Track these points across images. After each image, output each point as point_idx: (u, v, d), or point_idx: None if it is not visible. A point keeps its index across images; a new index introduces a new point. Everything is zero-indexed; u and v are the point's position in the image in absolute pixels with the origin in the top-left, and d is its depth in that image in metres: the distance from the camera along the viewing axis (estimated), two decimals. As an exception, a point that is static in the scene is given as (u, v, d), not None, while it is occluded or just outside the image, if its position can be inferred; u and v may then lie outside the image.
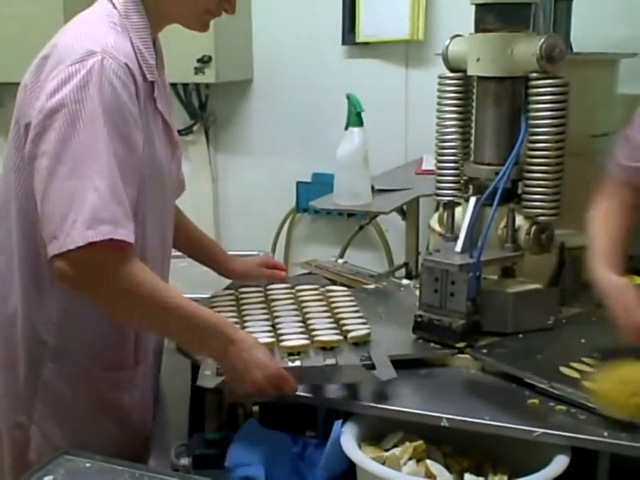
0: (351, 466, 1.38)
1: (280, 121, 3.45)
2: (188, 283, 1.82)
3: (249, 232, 3.54)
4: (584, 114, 1.89)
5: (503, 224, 1.72)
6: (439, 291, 1.68)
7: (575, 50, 2.27)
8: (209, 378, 1.51)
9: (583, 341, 1.69)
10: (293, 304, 1.84)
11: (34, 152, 1.41)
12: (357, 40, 3.22)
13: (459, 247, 1.66)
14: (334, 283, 2.14)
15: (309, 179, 3.40)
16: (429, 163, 2.53)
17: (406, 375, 1.58)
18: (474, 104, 1.80)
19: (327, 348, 1.60)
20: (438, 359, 1.64)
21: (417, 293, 1.76)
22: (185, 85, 3.44)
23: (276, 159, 3.50)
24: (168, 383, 1.81)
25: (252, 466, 1.37)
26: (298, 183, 3.42)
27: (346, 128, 2.48)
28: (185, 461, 1.46)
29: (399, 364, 1.60)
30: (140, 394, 1.65)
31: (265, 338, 1.59)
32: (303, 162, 3.38)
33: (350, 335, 1.65)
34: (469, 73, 1.74)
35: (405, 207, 2.72)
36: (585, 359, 1.57)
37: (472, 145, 1.81)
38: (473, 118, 1.80)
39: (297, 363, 1.56)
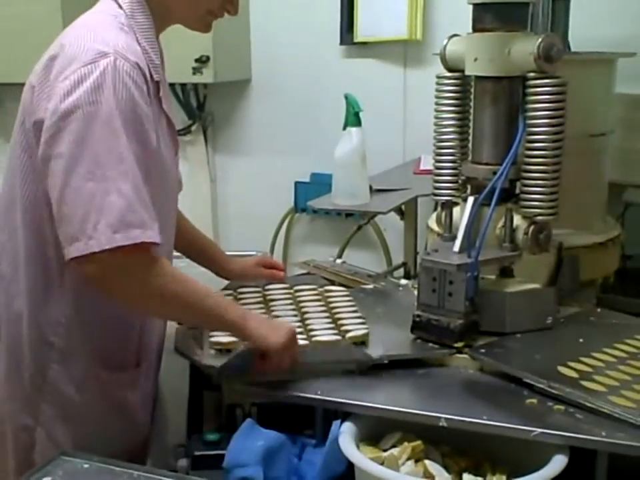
0: (350, 466, 1.38)
1: (278, 120, 3.46)
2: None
3: (247, 232, 3.54)
4: (582, 113, 1.89)
5: (500, 224, 1.72)
6: (437, 290, 1.68)
7: (572, 49, 2.27)
8: (214, 357, 1.56)
9: (581, 340, 1.69)
10: (291, 304, 1.84)
11: (48, 153, 1.40)
12: (355, 40, 3.22)
13: (456, 247, 1.66)
14: (332, 282, 2.14)
15: (307, 179, 3.40)
16: (427, 163, 2.52)
17: (404, 374, 1.58)
18: (472, 104, 1.79)
19: None
20: (436, 359, 1.64)
21: (415, 292, 1.76)
22: (183, 85, 3.44)
23: (274, 159, 3.50)
24: (166, 384, 1.81)
25: (250, 466, 1.37)
26: (296, 183, 3.42)
27: (344, 128, 2.48)
28: (183, 461, 1.46)
29: (397, 364, 1.60)
30: (142, 394, 1.66)
31: None
32: (301, 162, 3.38)
33: (348, 334, 1.65)
34: (467, 72, 1.74)
35: (403, 206, 2.72)
36: (583, 359, 1.57)
37: (470, 145, 1.81)
38: (471, 118, 1.80)
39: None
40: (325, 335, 1.66)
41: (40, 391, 1.56)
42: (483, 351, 1.62)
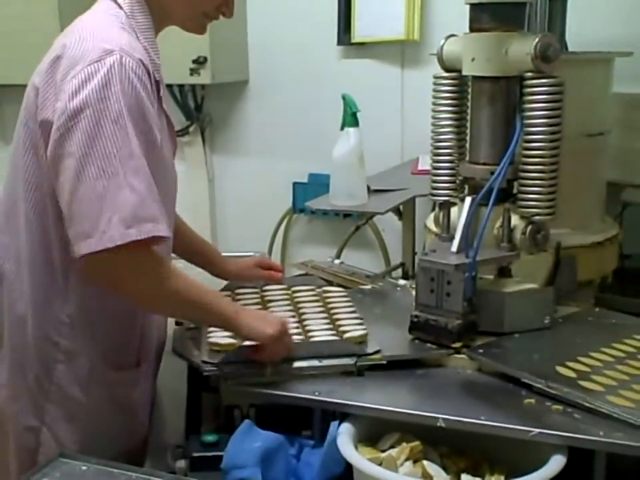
0: (348, 467, 1.38)
1: (276, 121, 3.45)
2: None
3: (245, 233, 3.54)
4: (579, 113, 1.89)
5: (498, 224, 1.72)
6: (435, 291, 1.68)
7: (570, 49, 2.27)
8: (211, 356, 1.57)
9: (579, 340, 1.69)
10: (289, 305, 1.84)
11: (59, 153, 1.41)
12: (353, 40, 3.22)
13: (454, 247, 1.66)
14: (330, 283, 2.14)
15: (305, 180, 3.40)
16: (425, 163, 2.52)
17: (402, 375, 1.58)
18: (469, 104, 1.79)
19: None
20: (434, 359, 1.64)
21: (413, 293, 1.76)
22: (181, 86, 3.44)
23: (272, 160, 3.50)
24: (165, 385, 1.81)
25: (248, 468, 1.37)
26: (294, 184, 3.42)
27: (342, 128, 2.48)
28: (181, 462, 1.46)
29: (395, 364, 1.60)
30: (142, 393, 1.67)
31: None
32: (299, 162, 3.38)
33: (346, 335, 1.65)
34: (464, 72, 1.74)
35: (401, 207, 2.72)
36: (581, 359, 1.57)
37: (467, 145, 1.81)
38: (468, 118, 1.80)
39: (294, 364, 1.57)
40: (323, 336, 1.66)
41: (45, 391, 1.56)
42: (481, 351, 1.62)
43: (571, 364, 1.54)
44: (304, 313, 1.78)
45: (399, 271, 2.78)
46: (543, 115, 1.64)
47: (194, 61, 3.19)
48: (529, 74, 1.65)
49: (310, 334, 1.67)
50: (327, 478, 1.42)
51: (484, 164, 1.74)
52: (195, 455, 1.44)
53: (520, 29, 1.69)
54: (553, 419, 1.40)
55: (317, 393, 1.51)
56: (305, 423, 1.55)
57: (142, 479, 1.31)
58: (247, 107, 3.53)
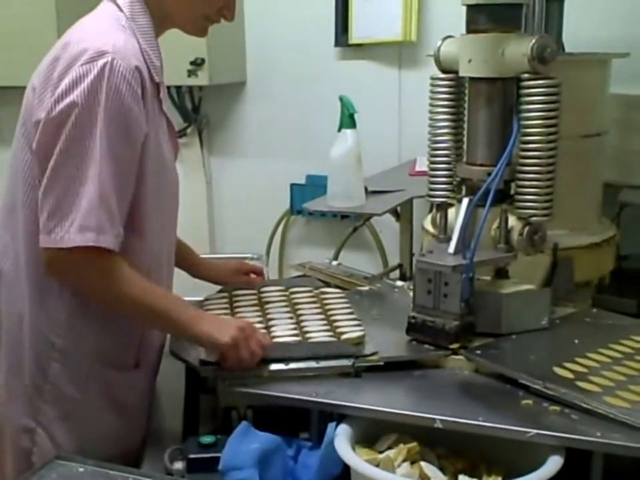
0: (345, 468, 1.38)
1: (273, 123, 3.46)
2: (180, 286, 1.82)
3: (243, 234, 3.55)
4: (576, 114, 1.89)
5: (495, 225, 1.72)
6: (433, 292, 1.68)
7: (567, 50, 2.28)
8: (209, 353, 1.58)
9: (576, 341, 1.68)
10: (286, 306, 1.84)
11: (44, 150, 1.45)
12: (350, 41, 3.22)
13: (451, 248, 1.66)
14: (328, 284, 2.14)
15: (302, 181, 3.41)
16: (423, 164, 2.53)
17: (399, 376, 1.58)
18: (466, 105, 1.79)
19: None
20: (432, 361, 1.64)
21: (411, 294, 1.76)
22: (178, 88, 3.44)
23: (270, 161, 3.50)
24: (163, 386, 1.81)
25: (246, 469, 1.36)
26: (292, 185, 3.43)
27: (339, 130, 2.49)
28: (178, 464, 1.46)
29: (393, 366, 1.60)
30: (140, 395, 1.67)
31: None
32: (297, 164, 3.39)
33: (343, 336, 1.65)
34: (461, 73, 1.74)
35: (398, 208, 2.72)
36: (578, 359, 1.57)
37: (464, 146, 1.81)
38: (466, 119, 1.80)
39: (291, 366, 1.57)
40: (320, 337, 1.66)
41: (41, 391, 1.56)
42: (478, 352, 1.62)
43: (568, 365, 1.54)
44: (301, 315, 1.78)
45: (397, 272, 2.78)
46: (539, 116, 1.64)
47: (191, 63, 3.19)
48: (526, 75, 1.65)
49: (307, 335, 1.67)
50: (325, 479, 1.41)
51: (481, 165, 1.74)
52: (192, 456, 1.43)
53: (517, 30, 1.69)
54: (551, 419, 1.40)
55: (314, 394, 1.50)
56: (302, 424, 1.55)
57: (139, 481, 1.31)
58: (244, 108, 3.54)
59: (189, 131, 3.54)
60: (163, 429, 1.69)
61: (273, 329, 1.69)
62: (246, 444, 1.40)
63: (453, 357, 1.63)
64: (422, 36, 3.09)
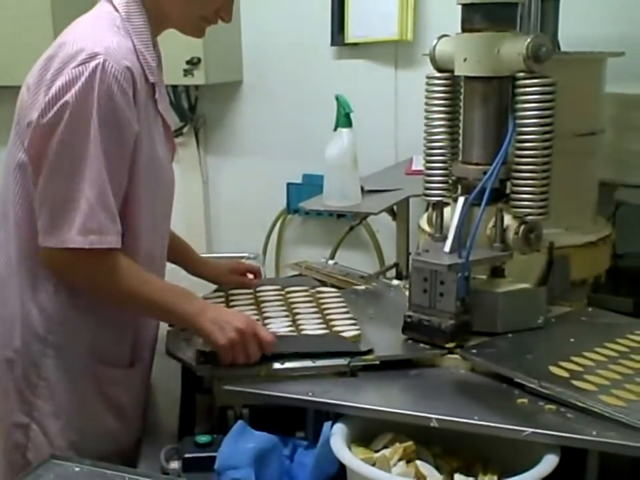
0: (341, 467, 1.38)
1: (270, 122, 3.46)
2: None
3: (239, 233, 3.55)
4: (571, 113, 1.89)
5: (491, 224, 1.72)
6: (428, 291, 1.68)
7: (562, 49, 2.28)
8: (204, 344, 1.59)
9: (572, 340, 1.68)
10: (282, 305, 1.84)
11: (38, 151, 1.46)
12: (346, 41, 3.23)
13: (447, 247, 1.66)
14: (324, 284, 2.14)
15: (299, 180, 3.41)
16: (419, 164, 2.53)
17: (395, 375, 1.58)
18: (462, 104, 1.79)
19: None
20: (427, 360, 1.64)
21: (407, 293, 1.76)
22: (175, 87, 3.45)
23: (266, 160, 3.51)
24: (158, 385, 1.81)
25: (242, 468, 1.36)
26: (288, 184, 3.43)
27: (335, 129, 2.49)
28: (174, 463, 1.46)
29: (389, 365, 1.60)
30: (135, 393, 1.68)
31: None
32: (293, 163, 3.39)
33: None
34: (456, 73, 1.74)
35: (395, 207, 2.73)
36: (574, 358, 1.57)
37: (460, 145, 1.81)
38: (461, 118, 1.80)
39: (287, 365, 1.57)
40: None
41: (34, 387, 1.57)
42: (474, 351, 1.62)
43: (564, 364, 1.54)
44: (298, 314, 1.78)
45: (393, 271, 2.78)
46: (535, 115, 1.64)
47: (188, 62, 3.20)
48: (521, 74, 1.65)
49: (303, 333, 1.67)
50: (321, 478, 1.41)
51: (477, 164, 1.74)
52: (188, 455, 1.43)
53: (512, 29, 1.69)
54: (546, 418, 1.40)
55: (310, 394, 1.50)
56: (298, 423, 1.55)
57: (135, 480, 1.31)
58: (240, 107, 3.54)
59: (185, 130, 3.55)
60: (159, 428, 1.69)
61: (269, 325, 1.70)
62: (242, 443, 1.40)
63: (449, 355, 1.63)
64: (418, 35, 3.09)
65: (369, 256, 3.36)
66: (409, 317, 1.69)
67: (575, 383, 1.47)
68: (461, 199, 1.70)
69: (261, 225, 3.53)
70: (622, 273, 2.36)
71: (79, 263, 1.49)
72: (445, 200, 1.81)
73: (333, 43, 3.27)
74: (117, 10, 1.55)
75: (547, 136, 1.65)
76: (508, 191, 1.74)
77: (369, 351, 1.61)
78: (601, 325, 1.80)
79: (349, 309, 1.82)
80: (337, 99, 2.48)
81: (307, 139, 3.31)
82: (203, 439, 1.46)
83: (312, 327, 1.71)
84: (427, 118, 1.81)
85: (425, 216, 1.95)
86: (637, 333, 1.70)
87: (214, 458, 1.39)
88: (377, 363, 1.60)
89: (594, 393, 1.43)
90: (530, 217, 1.69)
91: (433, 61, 1.79)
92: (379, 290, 2.10)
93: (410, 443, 1.40)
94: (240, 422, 1.46)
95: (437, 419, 1.41)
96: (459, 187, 1.79)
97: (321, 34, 3.27)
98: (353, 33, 3.20)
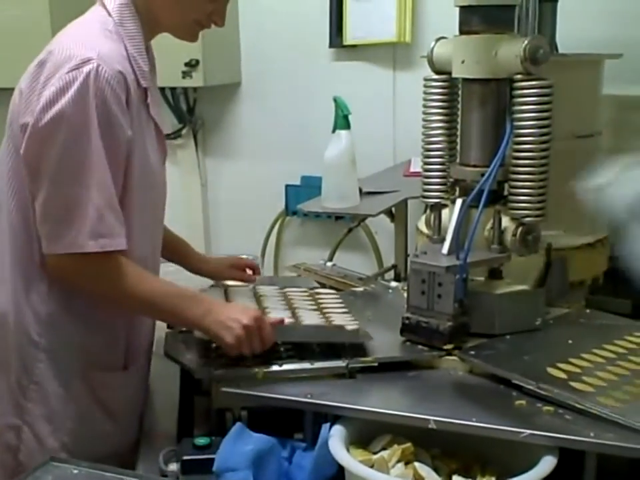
0: (340, 469, 1.38)
1: (268, 124, 3.46)
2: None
3: (238, 235, 3.55)
4: (569, 115, 1.90)
5: (489, 225, 1.72)
6: (426, 292, 1.68)
7: (560, 51, 2.28)
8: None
9: (570, 341, 1.69)
10: (282, 300, 1.84)
11: (35, 158, 1.46)
12: (344, 42, 3.23)
13: (445, 249, 1.66)
14: (323, 285, 2.14)
15: (297, 182, 3.41)
16: (418, 165, 2.53)
17: (393, 377, 1.58)
18: (459, 106, 1.80)
19: None
20: (425, 361, 1.64)
21: (405, 295, 1.76)
22: (173, 89, 3.45)
23: (265, 162, 3.51)
24: (157, 388, 1.81)
25: (240, 470, 1.37)
26: (287, 186, 3.43)
27: (333, 131, 2.49)
28: (173, 466, 1.46)
29: (387, 366, 1.60)
30: (131, 396, 1.68)
31: None
32: (292, 165, 3.39)
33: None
34: (454, 75, 1.74)
35: (393, 209, 2.73)
36: (572, 360, 1.57)
37: (458, 147, 1.81)
38: (459, 120, 1.80)
39: (285, 367, 1.57)
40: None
41: (25, 390, 1.57)
42: (472, 352, 1.62)
43: (561, 365, 1.55)
44: (297, 308, 1.78)
45: (392, 273, 2.78)
46: (532, 117, 1.64)
47: (186, 64, 3.20)
48: (519, 76, 1.65)
49: (302, 323, 1.67)
50: (319, 480, 1.42)
51: (474, 166, 1.74)
52: (187, 457, 1.43)
53: (509, 31, 1.70)
54: (544, 420, 1.40)
55: (308, 396, 1.51)
56: (296, 425, 1.55)
57: (133, 482, 1.31)
58: (239, 109, 3.54)
59: (183, 132, 3.55)
60: (158, 431, 1.69)
61: (269, 315, 1.69)
62: (240, 445, 1.40)
63: (447, 357, 1.64)
64: (416, 37, 3.09)
65: (367, 258, 3.36)
66: (407, 318, 1.70)
67: (573, 384, 1.47)
68: (459, 201, 1.71)
69: (259, 226, 3.53)
70: (620, 274, 2.36)
71: (89, 267, 1.49)
72: (443, 202, 1.82)
73: (331, 45, 3.28)
74: (110, 14, 1.55)
75: (544, 138, 1.66)
76: (506, 192, 1.74)
77: (367, 337, 1.63)
78: (599, 326, 1.80)
79: (348, 309, 1.82)
80: (335, 100, 2.48)
81: (305, 140, 3.32)
82: (201, 441, 1.46)
83: (312, 320, 1.70)
84: (424, 120, 1.81)
85: (423, 218, 1.95)
86: (635, 334, 1.71)
87: (212, 460, 1.39)
88: (375, 364, 1.60)
89: (592, 395, 1.43)
90: (528, 219, 1.69)
91: (431, 63, 1.79)
92: (377, 292, 2.11)
93: (408, 444, 1.40)
94: (238, 424, 1.46)
95: (435, 420, 1.41)
96: (457, 188, 1.80)
97: (319, 36, 3.27)
98: (351, 35, 3.21)
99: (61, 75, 1.43)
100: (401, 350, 1.68)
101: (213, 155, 3.65)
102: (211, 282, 1.99)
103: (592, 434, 1.34)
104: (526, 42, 1.62)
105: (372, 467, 1.36)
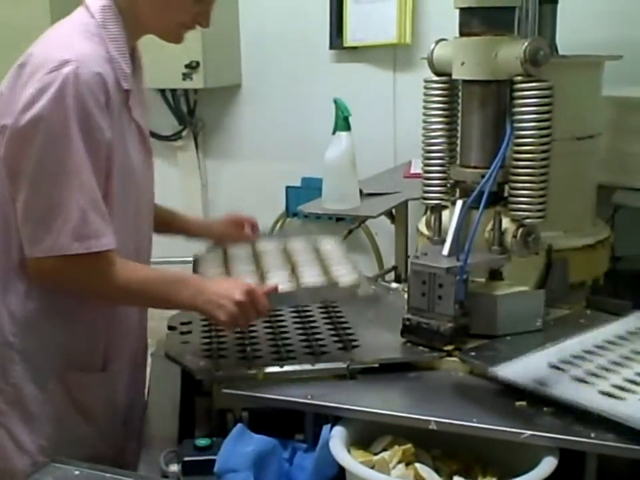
0: (340, 470, 1.38)
1: (268, 125, 3.46)
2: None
3: (238, 237, 3.54)
4: (569, 116, 1.90)
5: (489, 227, 1.72)
6: (427, 294, 1.68)
7: (560, 52, 2.28)
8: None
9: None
10: (281, 256, 1.84)
11: (13, 161, 1.47)
12: (345, 44, 3.23)
13: (446, 250, 1.66)
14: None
15: (298, 184, 3.41)
16: (418, 167, 2.54)
17: (394, 378, 1.59)
18: (460, 107, 1.80)
19: None
20: (426, 362, 1.64)
21: (406, 296, 1.76)
22: (173, 91, 3.45)
23: (265, 164, 3.51)
24: (158, 389, 1.81)
25: (241, 471, 1.37)
26: (287, 188, 3.43)
27: (333, 132, 2.49)
28: (174, 467, 1.46)
29: (388, 367, 1.60)
30: (109, 397, 1.67)
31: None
32: (292, 166, 3.40)
33: (340, 281, 1.65)
34: (454, 76, 1.74)
35: (393, 210, 2.73)
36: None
37: (458, 148, 1.82)
38: (459, 121, 1.81)
39: (286, 368, 1.57)
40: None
41: (1, 392, 1.57)
42: (473, 353, 1.62)
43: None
44: (296, 262, 1.77)
45: (392, 274, 2.78)
46: (532, 119, 1.64)
47: (186, 66, 3.20)
48: (519, 78, 1.65)
49: (301, 280, 1.66)
50: (320, 481, 1.42)
51: (475, 167, 1.75)
52: (188, 459, 1.43)
53: (510, 32, 1.70)
54: (545, 420, 1.40)
55: (309, 397, 1.51)
56: (297, 426, 1.55)
57: (134, 484, 1.31)
58: (239, 111, 3.54)
59: (184, 134, 3.55)
60: (159, 432, 1.69)
61: (268, 279, 1.69)
62: (241, 446, 1.41)
63: (448, 358, 1.64)
64: (416, 39, 3.10)
65: (367, 259, 3.36)
66: (408, 319, 1.70)
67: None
68: (459, 202, 1.71)
69: (260, 228, 3.53)
70: (620, 275, 2.36)
71: (74, 269, 1.49)
72: (444, 203, 1.82)
73: (331, 47, 3.28)
74: (92, 16, 1.54)
75: (544, 139, 1.66)
76: (506, 194, 1.74)
77: (365, 290, 1.66)
78: (600, 327, 1.80)
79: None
80: (336, 102, 2.48)
81: (305, 142, 3.32)
82: (202, 442, 1.46)
83: (310, 278, 1.69)
84: (425, 121, 1.82)
85: (424, 219, 1.95)
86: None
87: (213, 461, 1.39)
88: (376, 365, 1.60)
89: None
90: (528, 220, 1.69)
91: (431, 64, 1.79)
92: (378, 293, 2.10)
93: (409, 445, 1.41)
94: (239, 425, 1.46)
95: (435, 421, 1.41)
96: (457, 190, 1.80)
97: (319, 37, 3.27)
98: (351, 37, 3.21)
99: (40, 76, 1.43)
100: (402, 351, 1.68)
101: (213, 157, 3.65)
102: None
103: (593, 435, 1.34)
104: (526, 43, 1.62)
105: (373, 467, 1.37)
